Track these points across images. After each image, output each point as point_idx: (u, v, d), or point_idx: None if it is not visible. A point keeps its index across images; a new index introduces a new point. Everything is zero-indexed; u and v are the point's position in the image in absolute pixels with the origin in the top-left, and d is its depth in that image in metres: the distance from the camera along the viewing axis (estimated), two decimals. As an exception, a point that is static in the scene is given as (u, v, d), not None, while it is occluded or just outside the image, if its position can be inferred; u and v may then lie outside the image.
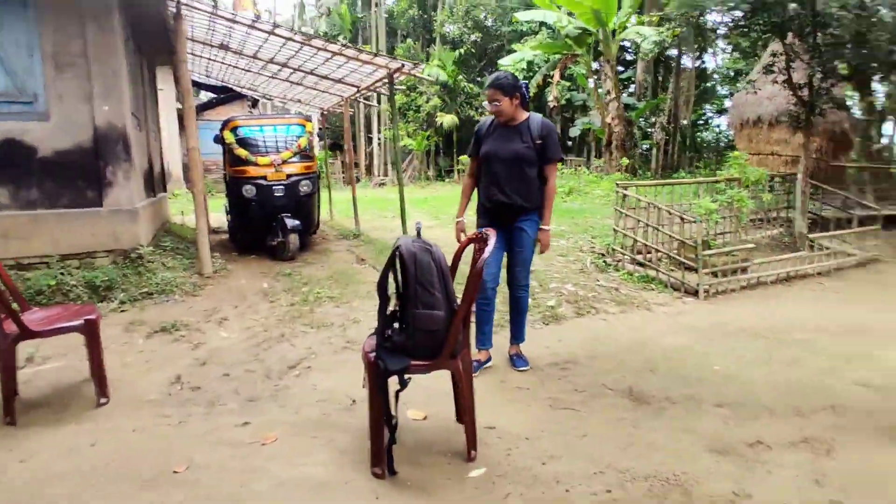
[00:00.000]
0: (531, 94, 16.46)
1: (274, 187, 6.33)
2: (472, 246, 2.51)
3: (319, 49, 6.25)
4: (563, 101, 18.95)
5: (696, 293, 5.09)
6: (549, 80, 17.05)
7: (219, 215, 8.18)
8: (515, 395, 3.03)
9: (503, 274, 3.38)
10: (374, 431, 2.23)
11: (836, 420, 2.69)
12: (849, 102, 14.21)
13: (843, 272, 6.12)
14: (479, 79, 21.80)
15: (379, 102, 17.57)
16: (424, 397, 2.83)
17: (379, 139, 22.39)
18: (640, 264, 5.74)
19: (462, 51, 21.20)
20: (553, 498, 2.10)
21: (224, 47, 7.14)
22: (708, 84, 24.00)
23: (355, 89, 7.75)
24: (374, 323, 2.28)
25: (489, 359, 3.37)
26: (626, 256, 5.91)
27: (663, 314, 4.66)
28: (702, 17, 8.46)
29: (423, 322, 2.16)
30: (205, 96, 19.15)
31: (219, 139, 6.62)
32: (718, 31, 9.49)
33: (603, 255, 6.07)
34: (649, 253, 5.80)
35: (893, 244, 7.46)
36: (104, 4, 4.82)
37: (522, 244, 3.24)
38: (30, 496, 2.11)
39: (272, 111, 16.88)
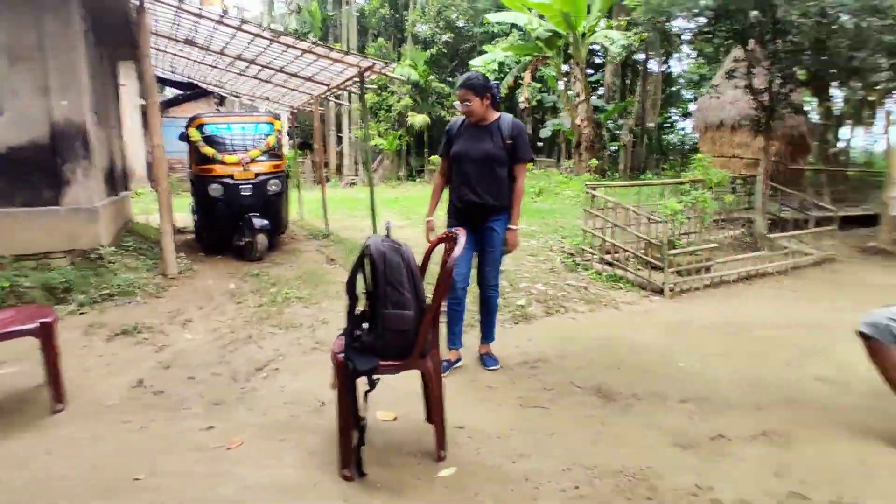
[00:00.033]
0: (502, 96, 16.55)
1: (241, 186, 6.21)
2: (441, 245, 2.50)
3: (289, 46, 6.15)
4: (533, 103, 19.14)
5: (661, 292, 5.20)
6: (520, 81, 17.19)
7: (184, 215, 7.98)
8: (486, 395, 3.04)
9: (473, 274, 3.39)
10: (342, 433, 2.21)
11: (795, 414, 2.78)
12: (807, 107, 14.75)
13: (800, 271, 6.34)
14: (450, 79, 21.82)
15: (350, 101, 17.41)
16: (394, 398, 2.81)
17: (350, 138, 22.20)
18: (609, 264, 5.83)
19: (434, 51, 21.19)
20: (522, 495, 2.12)
21: (190, 43, 6.97)
22: (674, 88, 24.56)
23: (325, 88, 7.67)
24: (344, 323, 2.26)
25: (459, 359, 3.38)
26: (594, 256, 6.00)
27: (631, 312, 4.74)
28: (667, 23, 8.65)
29: (393, 322, 2.15)
30: (170, 93, 18.67)
31: (184, 137, 6.46)
32: (683, 37, 9.75)
33: (572, 254, 6.15)
34: (617, 253, 5.90)
35: (848, 244, 7.77)
36: (62, -5, 4.67)
37: (493, 244, 3.25)
38: (-21, 507, 2.02)
39: (240, 109, 16.57)
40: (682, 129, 24.92)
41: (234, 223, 6.24)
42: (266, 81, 8.33)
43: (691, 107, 21.58)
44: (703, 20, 7.67)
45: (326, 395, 2.82)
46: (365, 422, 2.21)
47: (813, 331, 4.12)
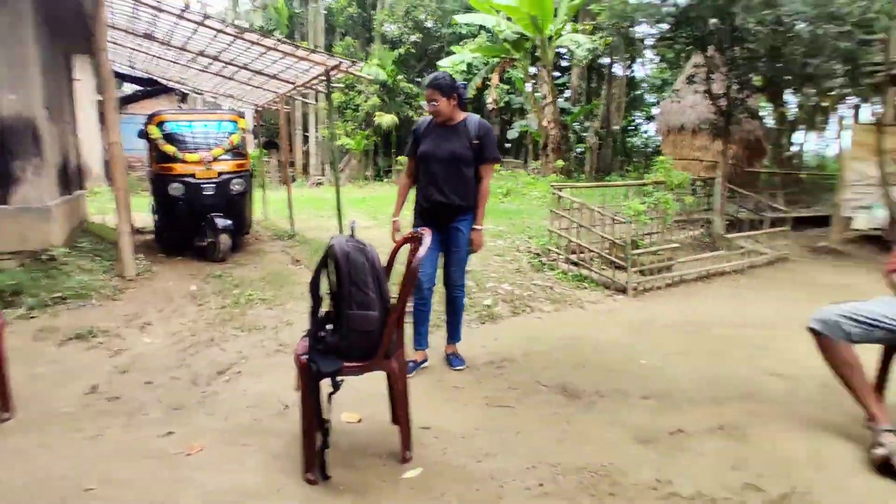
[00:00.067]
0: (470, 97, 16.67)
1: (203, 185, 6.07)
2: (407, 246, 2.49)
3: (253, 43, 6.04)
4: (501, 104, 19.28)
5: (625, 291, 5.31)
6: (488, 82, 17.31)
7: (144, 215, 7.74)
8: (452, 395, 3.04)
9: (440, 274, 3.39)
10: (306, 436, 2.18)
11: (751, 408, 2.87)
12: (762, 113, 15.32)
13: (755, 270, 6.56)
14: (418, 79, 21.78)
15: (316, 100, 17.19)
16: (360, 399, 2.78)
17: (316, 138, 21.93)
18: (574, 263, 5.92)
19: (402, 51, 21.12)
20: (488, 494, 2.13)
21: (149, 37, 6.76)
22: (637, 92, 25.14)
23: (291, 86, 7.55)
24: (308, 324, 2.23)
25: (425, 359, 3.37)
26: (560, 256, 6.08)
27: (595, 311, 4.82)
28: (631, 28, 8.84)
29: (357, 323, 2.13)
30: (129, 89, 18.07)
31: (143, 134, 6.27)
32: (646, 42, 9.97)
33: (539, 255, 6.22)
34: (582, 253, 5.99)
35: (801, 244, 8.08)
36: (10, -15, 4.47)
37: (458, 244, 3.26)
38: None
39: (203, 106, 16.16)
40: (646, 132, 25.53)
41: (196, 223, 6.09)
42: (229, 78, 8.15)
43: (654, 110, 22.12)
44: (664, 26, 7.86)
45: (290, 397, 2.77)
46: (329, 424, 2.18)
47: (767, 328, 4.27)
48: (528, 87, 17.16)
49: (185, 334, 3.92)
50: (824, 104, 15.41)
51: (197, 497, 2.06)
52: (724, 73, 7.63)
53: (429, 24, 22.82)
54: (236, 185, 6.30)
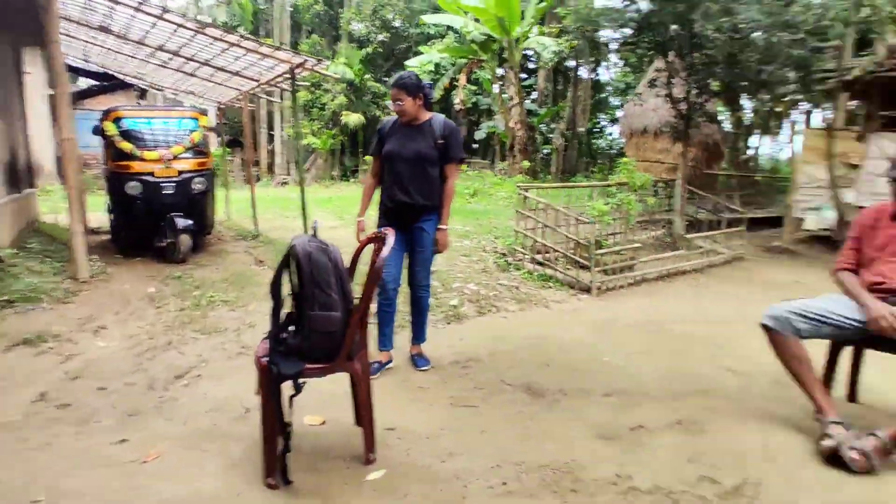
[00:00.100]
0: (438, 97, 16.68)
1: (163, 184, 5.89)
2: (372, 246, 2.47)
3: (216, 39, 5.89)
4: (469, 105, 19.35)
5: (589, 290, 5.39)
6: (456, 83, 17.35)
7: (101, 214, 7.46)
8: (417, 395, 3.03)
9: (405, 274, 3.37)
10: (266, 440, 2.13)
11: (708, 403, 2.95)
12: (721, 117, 15.81)
13: (713, 269, 6.77)
14: (386, 78, 21.66)
15: (282, 99, 16.91)
16: (324, 401, 2.75)
17: (282, 137, 21.57)
18: (540, 263, 5.99)
19: (369, 50, 20.97)
20: (452, 494, 2.13)
21: (105, 30, 6.53)
22: (602, 95, 25.61)
23: (255, 83, 7.40)
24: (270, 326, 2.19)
25: (390, 360, 3.36)
26: (526, 256, 6.14)
27: (560, 311, 4.89)
28: (596, 32, 9.02)
29: (319, 324, 2.10)
30: (85, 83, 17.42)
31: (99, 131, 6.04)
32: (610, 46, 10.20)
33: (505, 255, 6.27)
34: (548, 253, 6.06)
35: (755, 244, 8.38)
36: (-48, -28, 4.24)
37: (423, 244, 3.25)
38: None
39: (164, 103, 15.70)
40: (611, 134, 26.04)
41: (155, 223, 5.90)
42: (191, 75, 7.93)
43: (618, 113, 22.57)
44: (627, 31, 8.06)
45: (252, 401, 2.72)
46: (291, 427, 2.14)
47: (725, 325, 4.41)
48: (496, 88, 17.28)
49: (142, 338, 3.79)
50: (778, 109, 16.03)
51: (152, 505, 2.00)
52: (683, 78, 7.85)
53: (397, 23, 22.74)
54: (197, 184, 6.14)
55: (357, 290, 2.27)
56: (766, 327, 2.61)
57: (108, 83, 15.78)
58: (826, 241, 7.96)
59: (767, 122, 19.64)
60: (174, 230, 5.74)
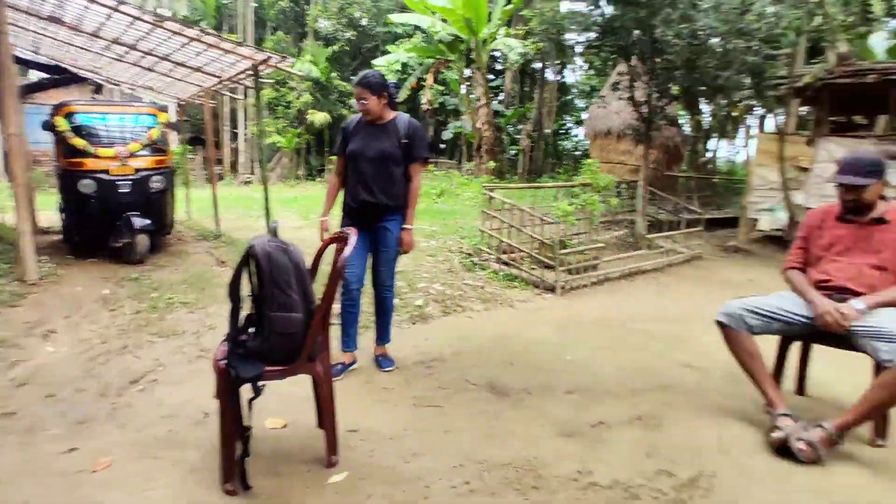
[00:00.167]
0: (405, 97, 16.63)
1: (118, 183, 5.68)
2: (334, 246, 2.44)
3: (174, 33, 5.71)
4: (436, 105, 19.37)
5: (553, 289, 5.47)
6: (423, 83, 17.34)
7: (52, 213, 7.15)
8: (381, 396, 3.01)
9: (369, 275, 3.35)
10: (224, 445, 2.08)
11: (666, 398, 3.03)
12: (681, 120, 16.27)
13: (673, 268, 6.96)
14: (352, 77, 21.46)
15: (245, 96, 16.57)
16: (285, 404, 2.70)
17: (245, 135, 21.15)
18: (505, 263, 6.03)
19: (336, 48, 20.76)
20: (414, 495, 2.12)
21: (55, 20, 6.26)
22: (568, 97, 26.03)
23: (217, 80, 7.22)
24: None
25: (354, 361, 3.32)
26: (492, 256, 6.18)
27: (525, 310, 4.94)
28: (561, 35, 9.14)
29: (280, 325, 2.07)
30: (36, 76, 16.68)
31: (49, 126, 5.79)
32: (576, 49, 10.35)
33: (470, 255, 6.29)
34: (513, 252, 6.12)
35: (713, 244, 8.65)
36: None
37: (387, 244, 3.23)
38: None
39: (121, 98, 15.17)
40: (576, 135, 26.49)
41: (111, 223, 5.69)
42: (149, 69, 7.68)
43: (583, 115, 22.97)
44: (592, 35, 8.19)
45: (211, 405, 2.63)
46: (250, 431, 2.10)
47: (683, 322, 4.53)
48: (463, 88, 17.35)
49: (94, 342, 3.65)
50: (735, 114, 16.58)
51: (103, 515, 1.92)
52: (645, 82, 8.04)
53: (364, 21, 22.59)
54: (156, 183, 5.95)
55: (320, 290, 2.24)
56: (720, 324, 2.70)
57: (61, 76, 15.16)
58: (778, 241, 8.28)
59: (724, 125, 20.30)
60: (131, 230, 5.55)
